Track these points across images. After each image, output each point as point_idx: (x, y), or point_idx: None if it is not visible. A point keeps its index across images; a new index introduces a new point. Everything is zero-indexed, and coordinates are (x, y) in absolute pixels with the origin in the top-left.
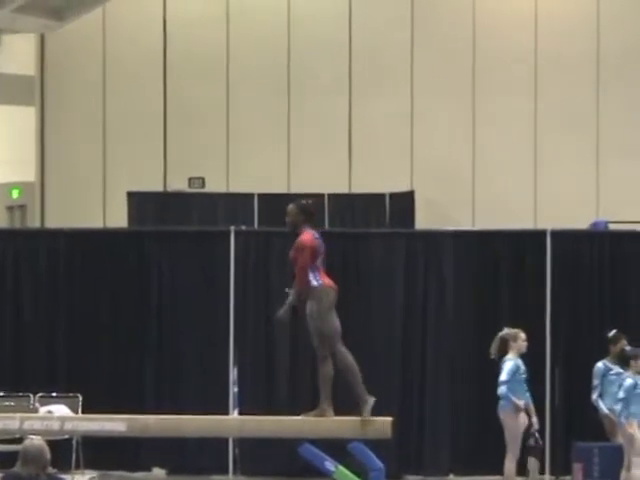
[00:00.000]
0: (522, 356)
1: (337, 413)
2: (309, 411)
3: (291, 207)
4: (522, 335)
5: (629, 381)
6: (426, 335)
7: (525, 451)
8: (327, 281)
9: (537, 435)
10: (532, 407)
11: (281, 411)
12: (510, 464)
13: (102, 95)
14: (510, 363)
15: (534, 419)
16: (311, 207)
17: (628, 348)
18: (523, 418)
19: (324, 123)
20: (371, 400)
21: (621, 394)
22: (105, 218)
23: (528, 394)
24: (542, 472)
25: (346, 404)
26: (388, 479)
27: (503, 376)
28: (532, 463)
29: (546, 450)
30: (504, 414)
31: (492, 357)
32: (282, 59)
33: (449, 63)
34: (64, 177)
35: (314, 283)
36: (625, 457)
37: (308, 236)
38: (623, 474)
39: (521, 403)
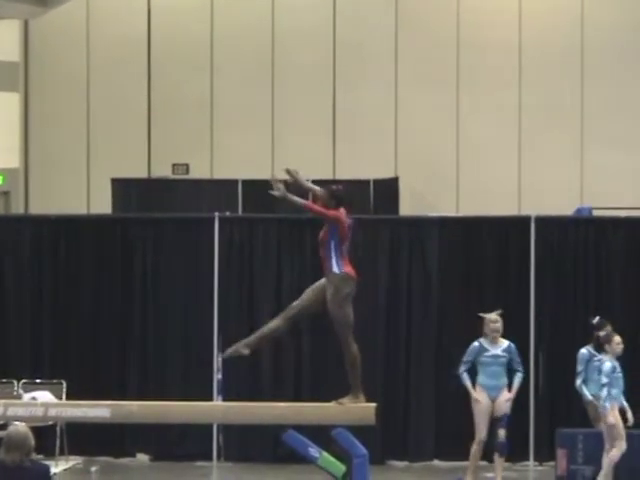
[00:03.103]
0: (512, 340)
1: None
2: (342, 396)
3: (321, 192)
4: (492, 325)
5: (607, 365)
6: (410, 321)
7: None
8: (348, 269)
9: (500, 431)
10: (514, 387)
11: (265, 398)
12: (473, 446)
13: (86, 81)
14: (473, 344)
15: (510, 394)
16: (342, 192)
17: (601, 333)
18: (484, 401)
19: (308, 110)
20: (363, 399)
21: (604, 379)
22: (89, 204)
23: (518, 375)
24: (526, 458)
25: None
26: (372, 465)
27: (464, 356)
28: (496, 459)
29: (530, 436)
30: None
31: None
32: (266, 46)
33: (433, 50)
34: (48, 163)
35: (335, 269)
36: (606, 442)
37: (340, 213)
38: (604, 458)
39: (473, 392)
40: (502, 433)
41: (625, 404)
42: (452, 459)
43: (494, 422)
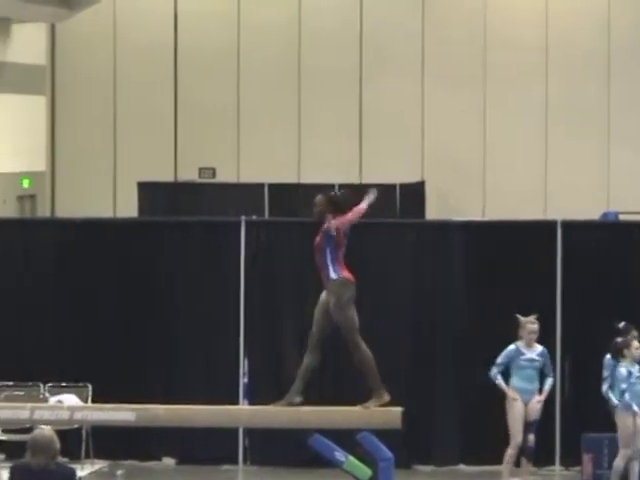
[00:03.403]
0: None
1: (345, 403)
2: (365, 401)
3: (320, 198)
4: (528, 326)
5: (622, 370)
6: (436, 326)
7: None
8: (346, 274)
9: (530, 437)
10: (545, 390)
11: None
12: (509, 450)
13: (113, 84)
14: (510, 347)
15: (541, 396)
16: (340, 198)
17: (619, 339)
18: (521, 405)
19: (335, 113)
20: (386, 397)
21: (622, 385)
22: (115, 208)
23: (549, 380)
24: (552, 463)
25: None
26: (398, 469)
27: (498, 358)
28: (523, 463)
29: (556, 441)
30: (506, 400)
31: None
32: (293, 49)
33: (460, 53)
34: (74, 167)
35: (333, 276)
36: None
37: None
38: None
39: (509, 391)
40: (532, 438)
41: (637, 410)
42: (478, 464)
43: (525, 426)
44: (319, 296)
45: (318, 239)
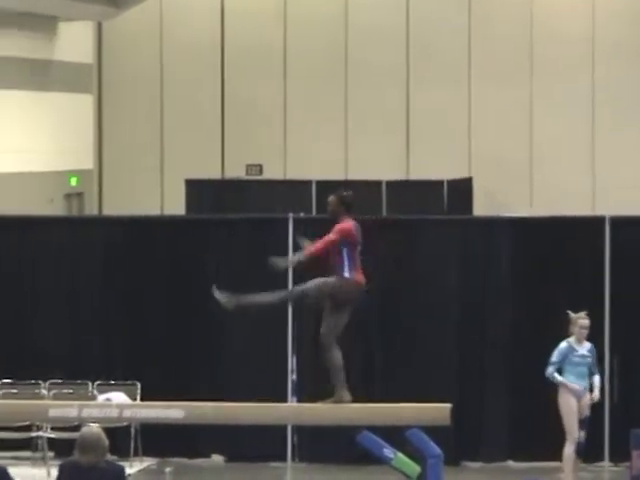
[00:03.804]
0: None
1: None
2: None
3: (332, 198)
4: (580, 322)
5: None
6: (484, 321)
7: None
8: (358, 277)
9: (581, 433)
10: (596, 387)
11: None
12: (567, 449)
13: (159, 82)
14: (562, 344)
15: (595, 393)
16: (350, 198)
17: None
18: (576, 402)
19: (382, 110)
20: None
21: None
22: (163, 205)
23: (596, 377)
24: (601, 459)
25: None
26: (446, 465)
27: (552, 357)
28: (574, 461)
29: (605, 437)
30: (559, 397)
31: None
32: (339, 45)
33: (506, 48)
34: (122, 165)
35: (346, 274)
36: None
37: (347, 224)
38: None
39: (573, 386)
40: (582, 434)
41: None
42: (526, 460)
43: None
44: (367, 290)
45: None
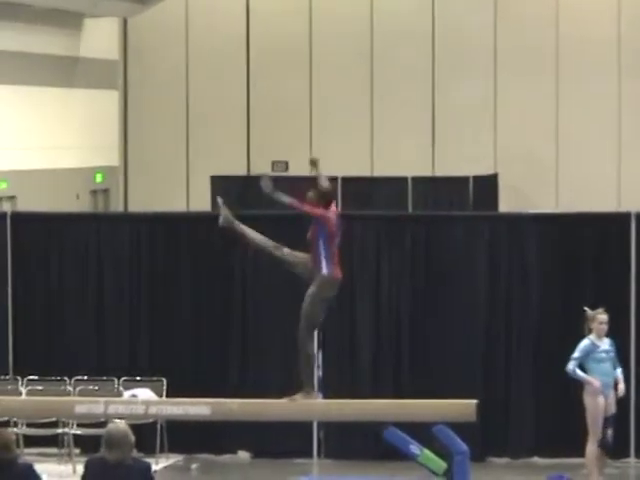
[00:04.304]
0: (612, 337)
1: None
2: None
3: (311, 193)
4: (599, 317)
5: None
6: (510, 318)
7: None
8: (336, 272)
9: (609, 432)
10: (620, 379)
11: (365, 395)
12: (590, 446)
13: (185, 79)
14: (584, 342)
15: (621, 385)
16: (330, 191)
17: None
18: (603, 400)
19: (407, 106)
20: (315, 395)
21: None
22: (188, 202)
23: (618, 370)
24: (627, 455)
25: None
26: (473, 462)
27: (574, 353)
28: (599, 452)
29: (631, 433)
30: (585, 395)
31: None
32: (365, 42)
33: (532, 46)
34: (147, 161)
35: (324, 270)
36: None
37: (329, 213)
38: None
39: (596, 382)
40: (610, 432)
41: None
42: (552, 456)
43: (604, 420)
44: (394, 286)
45: (310, 232)
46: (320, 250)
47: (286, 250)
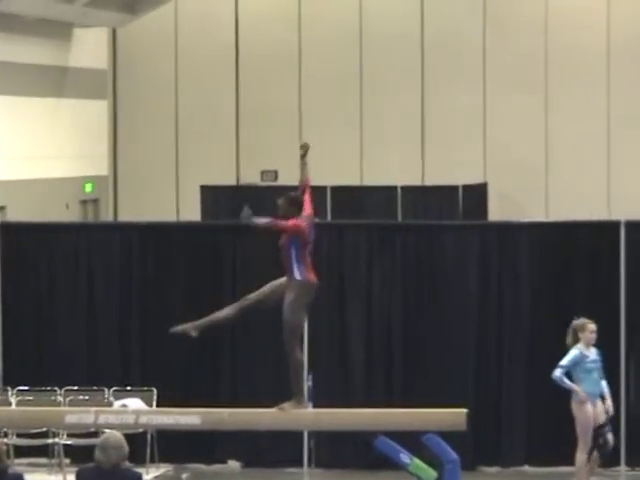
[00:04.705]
0: (598, 347)
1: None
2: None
3: (281, 201)
4: (590, 326)
5: None
6: (501, 327)
7: (594, 447)
8: (311, 277)
9: (608, 436)
10: (607, 394)
11: (356, 404)
12: (580, 455)
13: (174, 89)
14: (574, 351)
15: (608, 402)
16: (300, 198)
17: None
18: (592, 409)
19: (396, 115)
20: (306, 404)
21: None
22: (178, 211)
23: (603, 383)
24: (617, 464)
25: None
26: (463, 470)
27: (562, 361)
28: (594, 456)
29: (621, 441)
30: (573, 404)
31: (568, 345)
32: (354, 51)
33: (521, 55)
34: (137, 171)
35: (297, 276)
36: None
37: (301, 221)
38: None
39: (582, 393)
40: (610, 437)
41: None
42: (543, 465)
43: (598, 428)
44: (384, 295)
45: (283, 240)
46: (292, 257)
47: (251, 296)
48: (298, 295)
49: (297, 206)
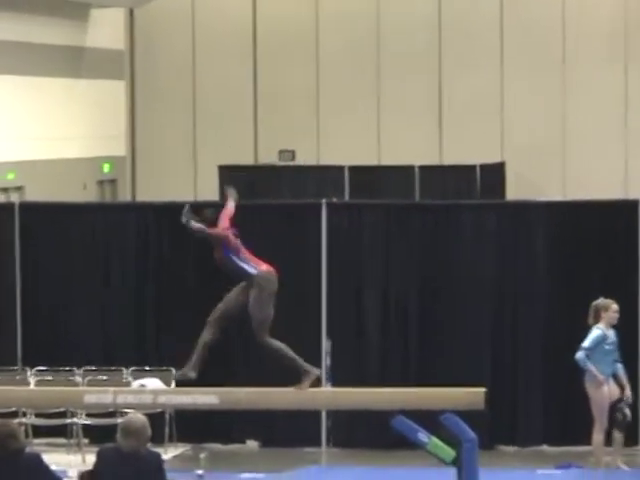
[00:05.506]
0: (615, 327)
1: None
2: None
3: (206, 212)
4: (614, 306)
5: None
6: (517, 305)
7: (612, 424)
8: (265, 267)
9: (626, 410)
10: (624, 379)
11: (373, 383)
12: (597, 435)
13: (192, 68)
14: (597, 332)
15: (627, 391)
16: (211, 216)
17: None
18: (607, 389)
19: (414, 95)
20: (316, 371)
21: None
22: (196, 191)
23: (619, 365)
24: (635, 443)
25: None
26: (481, 450)
27: (585, 342)
28: (617, 436)
29: (639, 421)
30: (588, 385)
31: (590, 325)
32: (371, 32)
33: (539, 34)
34: (154, 151)
35: (252, 271)
36: None
37: (223, 231)
38: None
39: (601, 376)
40: (628, 411)
41: None
42: (561, 444)
43: (615, 403)
44: (402, 276)
45: (216, 254)
46: (235, 261)
47: (218, 306)
48: (260, 288)
49: (208, 222)
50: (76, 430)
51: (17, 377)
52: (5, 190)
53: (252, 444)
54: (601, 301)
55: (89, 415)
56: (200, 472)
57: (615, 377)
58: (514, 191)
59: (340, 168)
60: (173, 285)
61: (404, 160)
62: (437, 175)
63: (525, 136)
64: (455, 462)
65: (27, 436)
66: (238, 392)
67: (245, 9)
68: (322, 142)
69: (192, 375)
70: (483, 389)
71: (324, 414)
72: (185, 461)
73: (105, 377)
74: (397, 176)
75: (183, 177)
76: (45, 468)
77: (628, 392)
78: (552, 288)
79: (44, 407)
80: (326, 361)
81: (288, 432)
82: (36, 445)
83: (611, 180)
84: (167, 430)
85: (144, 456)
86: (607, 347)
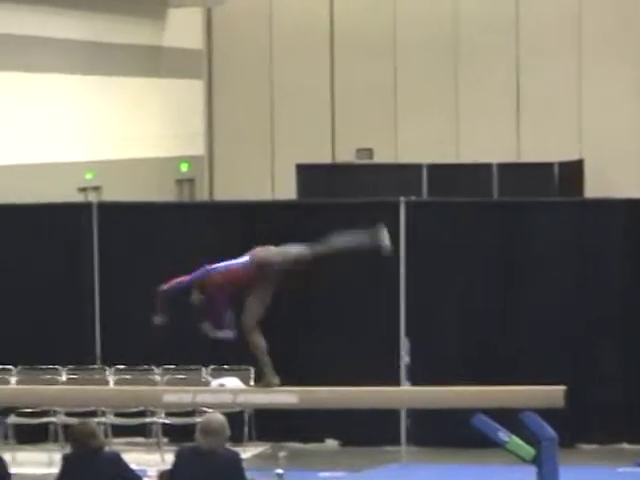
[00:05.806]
0: None
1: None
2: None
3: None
4: None
5: None
6: (598, 303)
7: None
8: (253, 265)
9: None
10: None
11: (453, 382)
12: None
13: (269, 68)
14: None
15: None
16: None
17: None
18: None
19: (492, 92)
20: (276, 381)
21: None
22: (274, 190)
23: None
24: None
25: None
26: (561, 448)
27: None
28: None
29: None
30: None
31: None
32: (449, 28)
33: (619, 28)
34: (232, 150)
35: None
36: None
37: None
38: None
39: None
40: None
41: None
42: None
43: None
44: (482, 272)
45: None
46: (225, 301)
47: (253, 311)
48: (269, 286)
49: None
50: (155, 429)
51: (96, 376)
52: (83, 190)
53: (332, 443)
54: None
55: (168, 414)
56: (280, 471)
57: None
58: (592, 189)
59: (418, 166)
60: None
61: (482, 157)
62: (515, 173)
63: (604, 133)
64: (535, 460)
65: (106, 436)
66: (318, 391)
67: (322, 7)
68: (400, 140)
69: (276, 382)
70: (563, 387)
71: (403, 413)
72: (264, 460)
73: (183, 376)
74: (475, 174)
75: (260, 176)
76: (124, 465)
77: None
78: (632, 285)
79: (123, 406)
80: (405, 359)
81: (367, 431)
82: (115, 444)
83: None
84: (246, 429)
85: (223, 455)
86: None
